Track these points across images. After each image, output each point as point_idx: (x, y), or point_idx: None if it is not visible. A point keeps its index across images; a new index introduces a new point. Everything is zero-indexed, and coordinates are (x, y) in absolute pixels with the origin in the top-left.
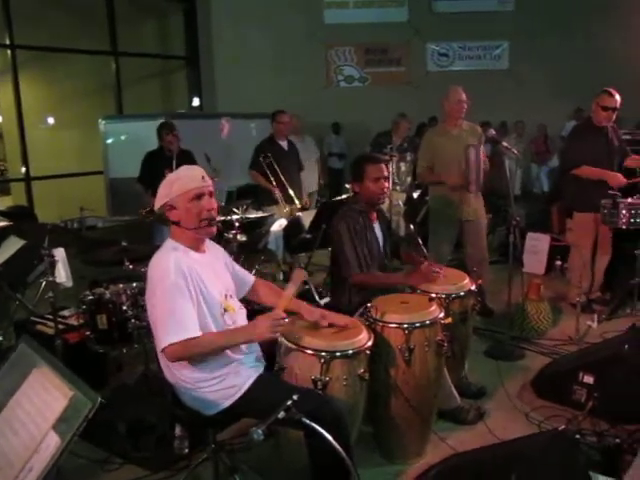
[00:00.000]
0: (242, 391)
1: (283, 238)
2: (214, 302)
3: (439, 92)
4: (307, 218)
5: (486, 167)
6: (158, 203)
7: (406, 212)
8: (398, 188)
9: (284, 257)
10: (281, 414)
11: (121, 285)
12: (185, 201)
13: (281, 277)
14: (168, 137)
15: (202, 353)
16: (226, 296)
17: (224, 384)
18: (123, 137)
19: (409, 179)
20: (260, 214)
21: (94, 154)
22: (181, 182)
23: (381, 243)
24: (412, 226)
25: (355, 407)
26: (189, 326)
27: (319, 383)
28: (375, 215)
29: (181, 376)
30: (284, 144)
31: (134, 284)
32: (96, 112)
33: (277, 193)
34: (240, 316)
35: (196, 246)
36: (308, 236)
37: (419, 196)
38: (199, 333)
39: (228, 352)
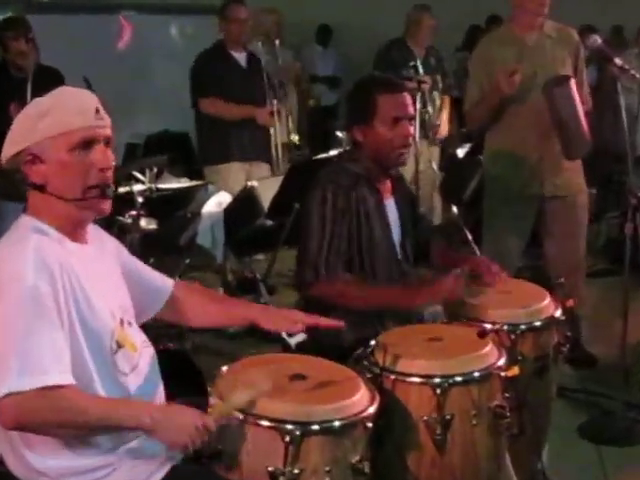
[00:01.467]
0: None
1: (225, 227)
2: (100, 329)
3: None
4: (267, 192)
5: (587, 106)
6: (7, 152)
7: (445, 183)
8: (428, 139)
9: (225, 260)
10: None
11: None
12: (62, 149)
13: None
14: (17, 44)
15: (63, 424)
16: (122, 321)
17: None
18: None
19: (445, 123)
20: (183, 183)
21: None
22: (57, 115)
23: (396, 234)
24: (454, 207)
25: None
26: (49, 366)
27: (282, 479)
28: (389, 185)
29: (39, 466)
30: (241, 57)
31: None
32: None
33: (269, 112)
34: (143, 361)
35: (73, 231)
36: (269, 223)
37: (468, 154)
38: (70, 381)
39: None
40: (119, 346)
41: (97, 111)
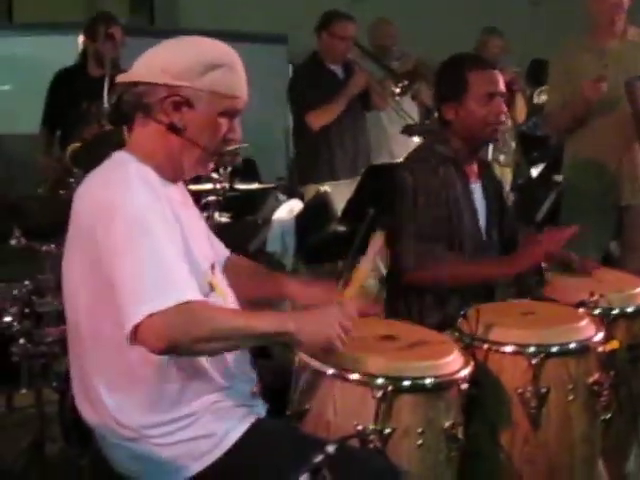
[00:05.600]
0: (227, 444)
1: (295, 235)
2: (197, 266)
3: (570, 9)
4: (341, 196)
5: None
6: (154, 77)
7: (517, 204)
8: (502, 158)
9: (295, 267)
10: (302, 479)
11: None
12: (218, 108)
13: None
14: (108, 38)
15: (211, 337)
16: (213, 267)
17: (194, 430)
18: (13, 63)
19: (513, 143)
20: (255, 185)
21: None
22: (229, 75)
23: (482, 220)
24: (528, 228)
25: None
26: (181, 283)
27: (372, 438)
28: (476, 169)
29: (119, 416)
30: (339, 70)
31: (26, 281)
32: None
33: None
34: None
35: (169, 178)
36: (341, 229)
37: (542, 174)
38: (200, 297)
39: (209, 371)
40: (211, 289)
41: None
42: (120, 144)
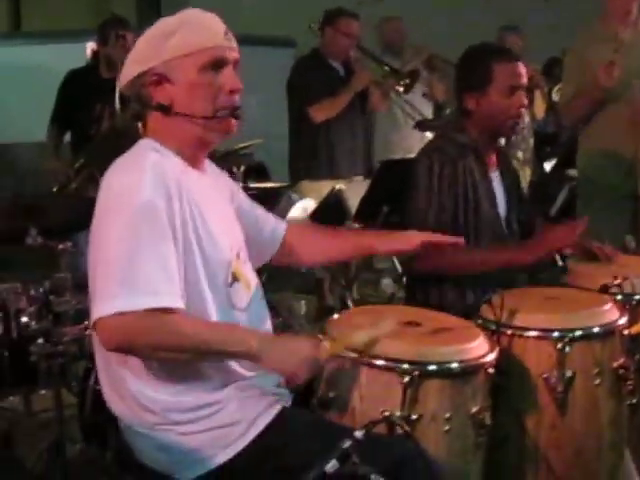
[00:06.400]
0: (253, 434)
1: None
2: (219, 258)
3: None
4: (354, 195)
5: None
6: (128, 74)
7: (531, 197)
8: (520, 155)
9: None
10: (331, 464)
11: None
12: (192, 69)
13: (302, 310)
14: (119, 42)
15: (169, 348)
16: (238, 255)
17: (220, 419)
18: (22, 72)
19: (531, 140)
20: (268, 184)
21: None
22: (186, 34)
23: (502, 209)
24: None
25: (463, 476)
26: (161, 287)
27: (399, 423)
28: (494, 158)
29: (144, 401)
30: (339, 67)
31: (42, 281)
32: None
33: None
34: (255, 299)
35: (193, 157)
36: (355, 227)
37: (555, 169)
38: (179, 305)
39: (231, 362)
40: (235, 279)
41: (226, 33)
42: (136, 138)
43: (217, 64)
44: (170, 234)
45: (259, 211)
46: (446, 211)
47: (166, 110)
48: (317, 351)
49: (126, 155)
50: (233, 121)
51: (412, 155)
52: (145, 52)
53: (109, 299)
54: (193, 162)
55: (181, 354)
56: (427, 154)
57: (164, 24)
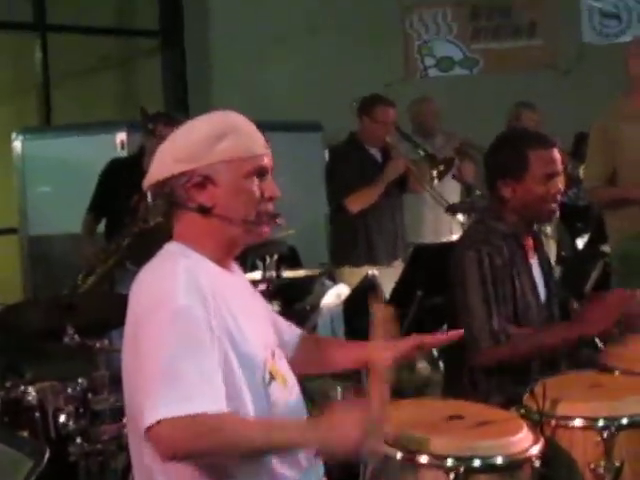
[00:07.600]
0: None
1: (344, 319)
2: (254, 358)
3: (604, 78)
4: (388, 278)
5: None
6: (165, 172)
7: (564, 276)
8: (548, 230)
9: None
10: None
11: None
12: (240, 174)
13: (339, 397)
14: (163, 132)
15: (223, 451)
16: (273, 354)
17: None
18: (52, 164)
19: (557, 214)
20: (301, 272)
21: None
22: (236, 139)
23: (542, 294)
24: (575, 302)
25: None
26: (206, 392)
27: None
28: (531, 243)
29: None
30: (377, 154)
31: (80, 379)
32: (7, 121)
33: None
34: (293, 395)
35: (223, 258)
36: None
37: (588, 244)
38: (223, 408)
39: (276, 464)
40: (272, 377)
41: (267, 141)
42: (170, 236)
43: (261, 172)
44: (208, 338)
45: (277, 316)
46: (504, 300)
47: (206, 212)
48: (361, 426)
49: (156, 260)
50: (269, 227)
51: (442, 238)
52: (191, 151)
53: (159, 403)
54: (223, 263)
55: (236, 453)
56: (473, 247)
57: (210, 126)
